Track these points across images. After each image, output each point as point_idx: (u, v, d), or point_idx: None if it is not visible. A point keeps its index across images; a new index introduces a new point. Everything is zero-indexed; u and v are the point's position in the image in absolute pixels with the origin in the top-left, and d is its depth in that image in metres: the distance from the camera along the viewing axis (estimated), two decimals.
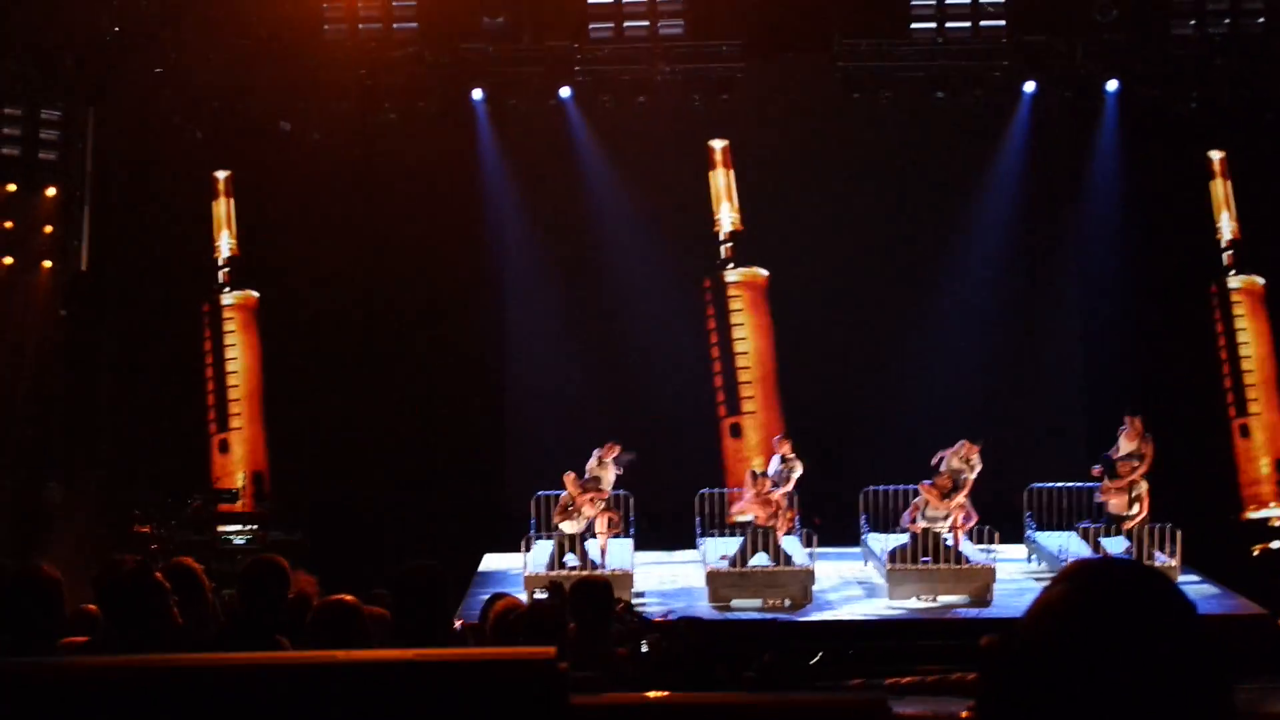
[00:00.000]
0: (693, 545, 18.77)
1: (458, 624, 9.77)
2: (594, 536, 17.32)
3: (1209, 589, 17.08)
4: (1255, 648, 14.72)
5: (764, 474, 17.56)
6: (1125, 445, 17.62)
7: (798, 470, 17.77)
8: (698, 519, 18.81)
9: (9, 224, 18.64)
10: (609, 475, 17.53)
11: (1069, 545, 17.45)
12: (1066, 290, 21.01)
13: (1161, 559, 16.67)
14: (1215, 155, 20.52)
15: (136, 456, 20.27)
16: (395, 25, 19.34)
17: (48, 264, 19.12)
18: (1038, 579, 17.83)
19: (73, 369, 19.86)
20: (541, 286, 21.12)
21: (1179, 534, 16.80)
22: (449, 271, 20.90)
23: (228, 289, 21.14)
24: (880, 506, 18.93)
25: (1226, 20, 19.03)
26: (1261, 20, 19.08)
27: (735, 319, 21.17)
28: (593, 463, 17.57)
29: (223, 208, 21.03)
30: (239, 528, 18.22)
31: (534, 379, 21.00)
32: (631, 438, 19.22)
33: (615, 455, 17.59)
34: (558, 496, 17.76)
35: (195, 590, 6.24)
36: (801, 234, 20.89)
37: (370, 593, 7.65)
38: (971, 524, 17.24)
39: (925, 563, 16.88)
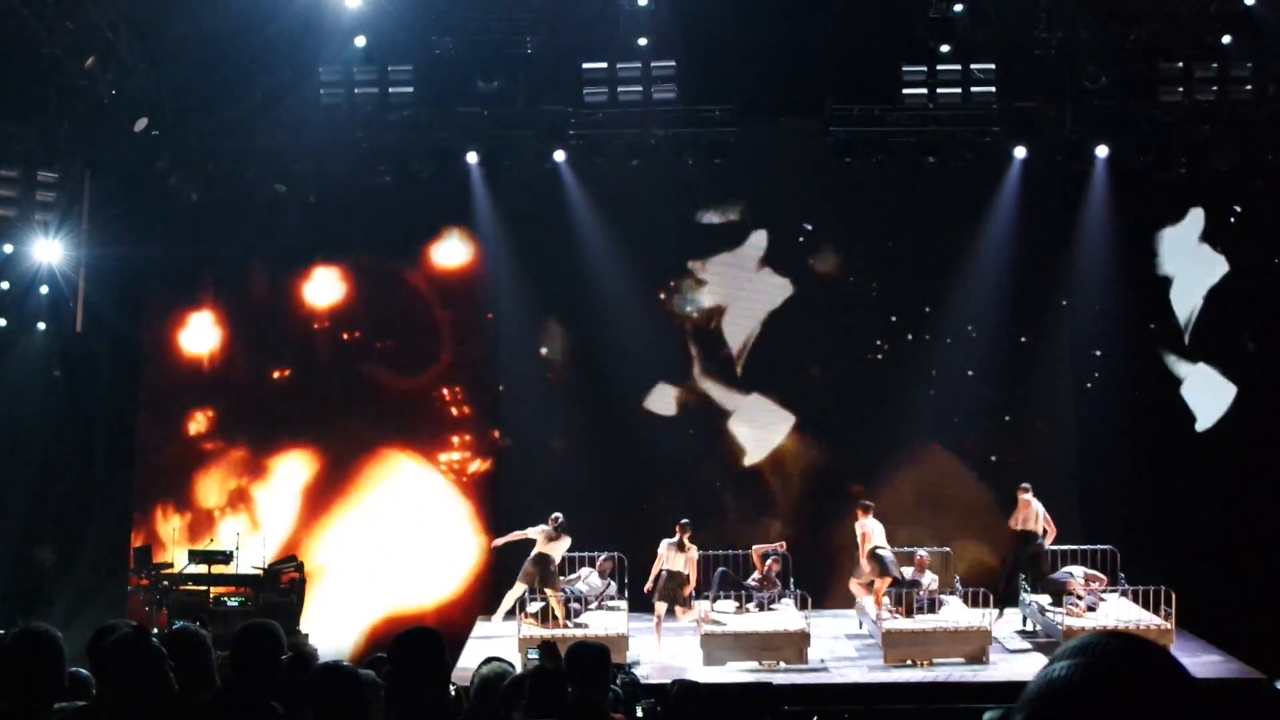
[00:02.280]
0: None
1: (453, 689, 9.73)
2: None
3: (1206, 652, 17.08)
4: (1253, 712, 14.69)
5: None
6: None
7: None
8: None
9: (4, 285, 18.69)
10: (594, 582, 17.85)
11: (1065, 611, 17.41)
12: (1058, 354, 21.06)
13: (1156, 621, 16.63)
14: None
15: (130, 518, 20.27)
16: (391, 89, 19.47)
17: (43, 325, 19.15)
18: (1033, 642, 17.85)
19: (66, 430, 19.85)
20: (536, 348, 21.15)
21: (1174, 596, 16.79)
22: (442, 333, 21.00)
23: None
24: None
25: (1214, 88, 19.19)
26: (1249, 88, 19.23)
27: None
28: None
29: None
30: (233, 589, 18.18)
31: (527, 442, 21.01)
32: (624, 500, 19.22)
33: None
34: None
35: (197, 656, 6.19)
36: (793, 296, 21.04)
37: (371, 658, 7.62)
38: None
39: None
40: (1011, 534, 18.53)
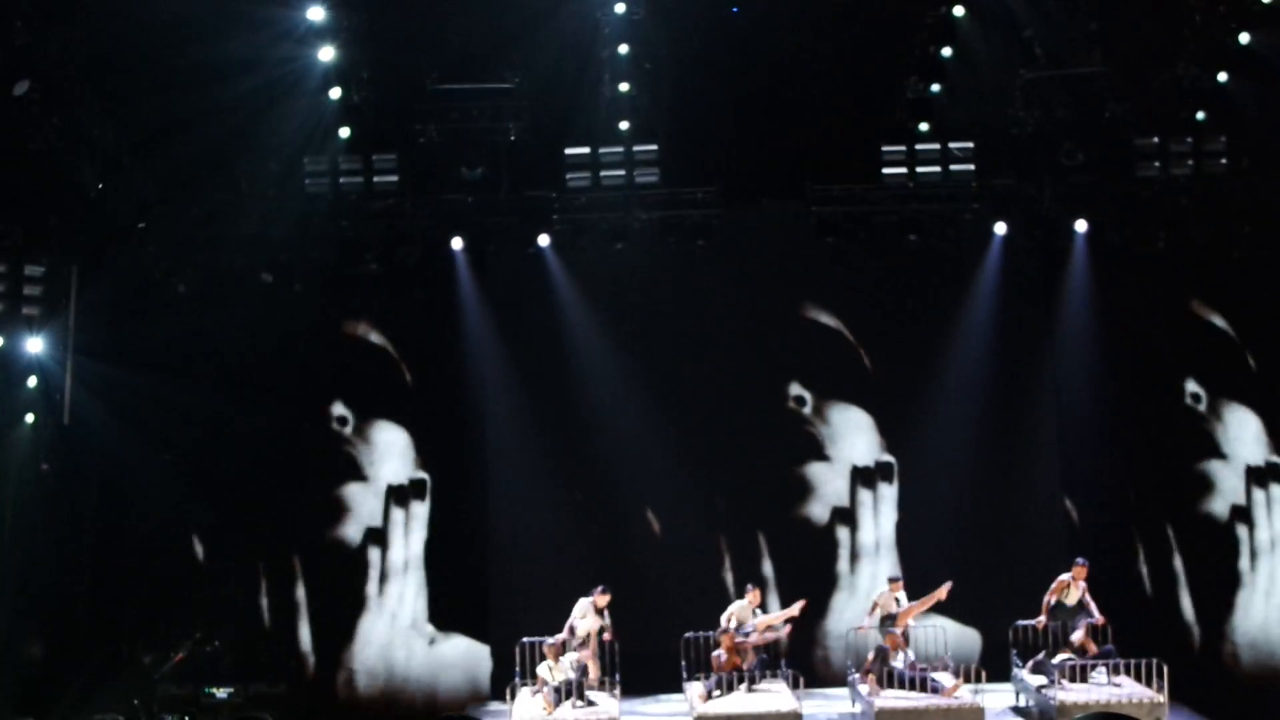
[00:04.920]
0: (678, 689, 18.61)
1: None
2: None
3: None
4: None
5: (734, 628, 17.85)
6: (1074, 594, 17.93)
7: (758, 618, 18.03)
8: (683, 663, 18.67)
9: None
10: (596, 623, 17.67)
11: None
12: (1044, 429, 21.05)
13: (1149, 694, 16.55)
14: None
15: (119, 611, 20.11)
16: (375, 178, 19.67)
17: (31, 418, 19.12)
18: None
19: (54, 523, 19.74)
20: (522, 432, 21.13)
21: (1165, 668, 16.71)
22: (429, 418, 20.99)
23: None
24: (864, 647, 18.88)
25: (1190, 162, 19.46)
26: (1224, 161, 19.49)
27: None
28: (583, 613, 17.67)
29: None
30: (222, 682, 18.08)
31: (516, 524, 20.94)
32: (614, 581, 19.14)
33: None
34: (542, 643, 17.71)
35: None
36: (779, 375, 21.11)
37: None
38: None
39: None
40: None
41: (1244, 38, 18.03)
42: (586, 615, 17.72)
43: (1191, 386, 20.88)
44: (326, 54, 17.93)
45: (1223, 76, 18.71)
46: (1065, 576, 18.00)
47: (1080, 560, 18.04)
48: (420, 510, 21.11)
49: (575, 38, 18.45)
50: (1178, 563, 20.43)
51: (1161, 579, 20.33)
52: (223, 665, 18.58)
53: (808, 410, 21.12)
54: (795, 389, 21.14)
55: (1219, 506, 20.77)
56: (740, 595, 18.73)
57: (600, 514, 20.87)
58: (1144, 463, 20.70)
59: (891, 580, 18.51)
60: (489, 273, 20.99)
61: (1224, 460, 20.79)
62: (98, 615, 19.96)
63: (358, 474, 21.17)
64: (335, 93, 18.61)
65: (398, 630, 20.81)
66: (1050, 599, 17.98)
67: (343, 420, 21.15)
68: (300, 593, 20.76)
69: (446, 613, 20.87)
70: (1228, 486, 20.78)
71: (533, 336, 21.11)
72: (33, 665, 19.02)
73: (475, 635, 20.69)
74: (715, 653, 17.88)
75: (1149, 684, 16.80)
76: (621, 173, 19.72)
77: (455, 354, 21.09)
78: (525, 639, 18.25)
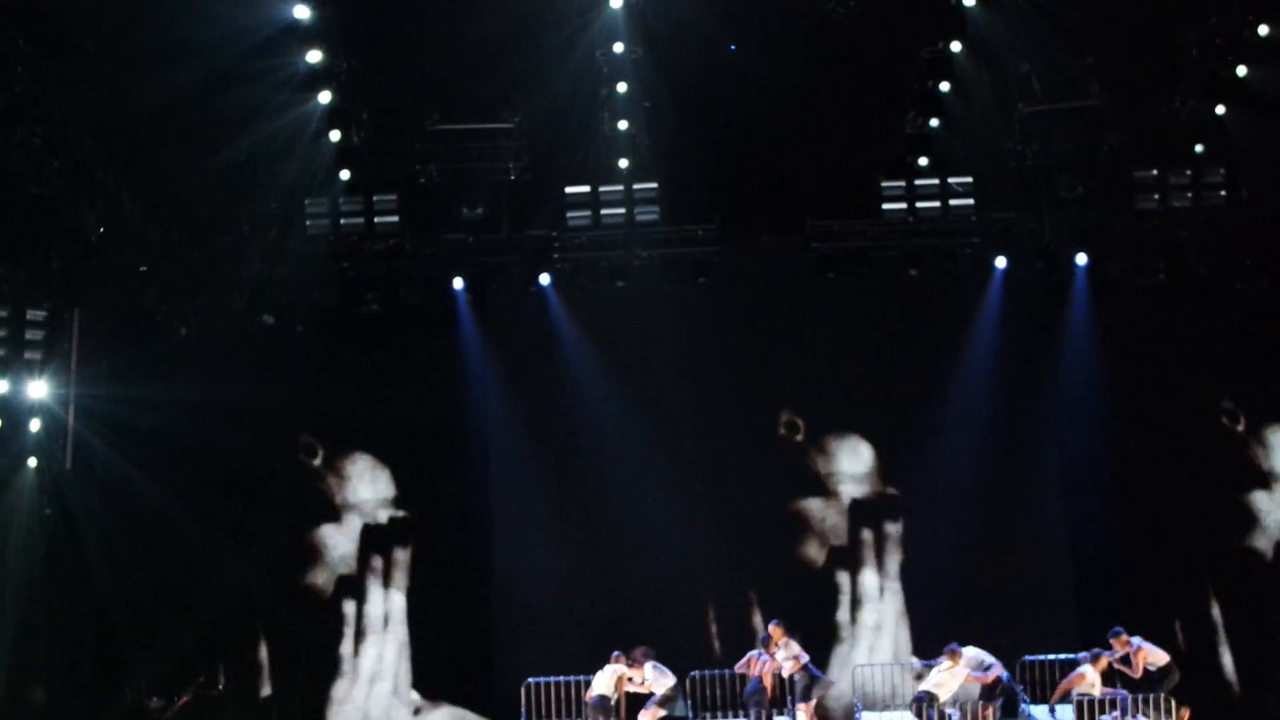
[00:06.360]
0: None
1: None
2: None
3: None
4: None
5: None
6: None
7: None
8: (688, 702, 18.61)
9: None
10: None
11: None
12: (1047, 461, 20.91)
13: None
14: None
15: (122, 656, 20.00)
16: (376, 219, 19.71)
17: (34, 462, 19.12)
18: None
19: (58, 567, 19.70)
20: (525, 471, 21.03)
21: (1174, 702, 16.63)
22: (432, 458, 20.91)
23: None
24: (871, 683, 18.83)
25: (1189, 194, 19.49)
26: (1223, 193, 19.52)
27: None
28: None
29: None
30: None
31: (520, 564, 20.79)
32: (620, 621, 19.11)
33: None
34: (548, 683, 17.63)
35: None
36: (781, 411, 21.07)
37: None
38: None
39: None
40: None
41: (1241, 71, 18.07)
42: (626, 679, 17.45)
43: (1229, 406, 20.65)
44: (325, 97, 18.01)
45: (1221, 109, 18.78)
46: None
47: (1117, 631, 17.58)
48: (402, 556, 20.86)
49: (574, 77, 18.54)
50: (1215, 610, 20.16)
51: (1197, 629, 19.97)
52: (228, 709, 18.46)
53: (808, 444, 21.03)
54: (799, 424, 21.09)
55: (1263, 543, 20.46)
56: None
57: (604, 550, 20.67)
58: (1173, 496, 20.25)
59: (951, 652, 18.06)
60: (490, 311, 20.99)
61: (1268, 490, 20.53)
62: (102, 659, 19.87)
63: (331, 513, 20.94)
64: (335, 135, 18.68)
65: (376, 698, 20.47)
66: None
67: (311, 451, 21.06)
68: (263, 653, 20.55)
69: (435, 677, 20.50)
70: (1273, 520, 20.51)
71: (534, 375, 21.09)
72: (37, 710, 18.96)
73: (470, 705, 20.34)
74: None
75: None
76: (621, 211, 19.76)
77: (457, 394, 21.01)
78: (530, 679, 18.19)
